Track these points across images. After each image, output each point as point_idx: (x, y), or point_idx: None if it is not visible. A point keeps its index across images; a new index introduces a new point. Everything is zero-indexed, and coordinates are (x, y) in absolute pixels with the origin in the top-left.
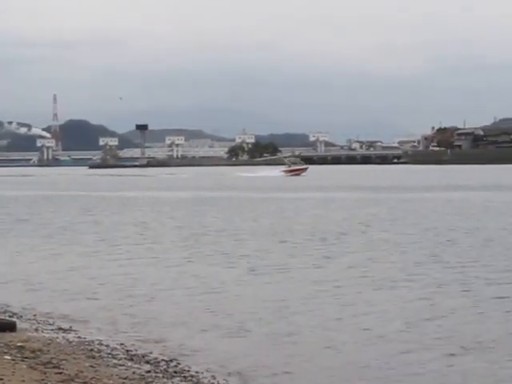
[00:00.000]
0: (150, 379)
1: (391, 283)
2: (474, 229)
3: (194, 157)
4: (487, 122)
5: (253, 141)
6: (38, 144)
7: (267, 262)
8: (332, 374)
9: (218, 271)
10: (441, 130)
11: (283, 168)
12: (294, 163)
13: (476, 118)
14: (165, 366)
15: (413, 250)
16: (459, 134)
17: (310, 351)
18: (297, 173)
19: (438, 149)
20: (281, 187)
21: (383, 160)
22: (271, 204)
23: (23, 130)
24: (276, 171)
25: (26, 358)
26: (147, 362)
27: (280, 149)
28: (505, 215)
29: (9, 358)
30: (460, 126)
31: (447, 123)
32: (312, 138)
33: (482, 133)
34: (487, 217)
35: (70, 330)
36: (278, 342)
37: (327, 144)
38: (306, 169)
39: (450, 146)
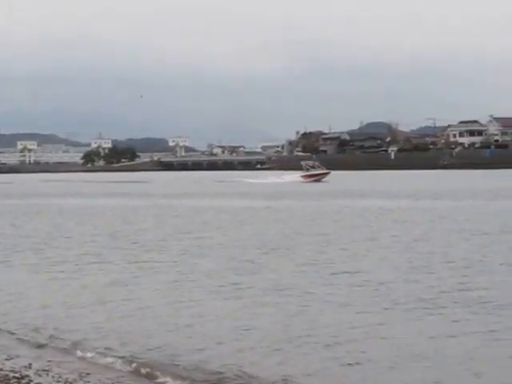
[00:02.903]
0: None
1: None
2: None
3: (47, 162)
4: (353, 126)
5: (109, 146)
6: None
7: None
8: None
9: None
10: (306, 135)
11: (301, 173)
12: (313, 167)
13: (342, 122)
14: None
15: None
16: (325, 139)
17: None
18: (317, 178)
19: (303, 154)
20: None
21: (246, 166)
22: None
23: None
24: (294, 177)
25: None
26: None
27: (138, 154)
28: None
29: None
30: (326, 130)
31: (313, 128)
32: (171, 143)
33: (348, 137)
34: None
35: None
36: None
37: (187, 149)
38: (328, 173)
39: (315, 151)
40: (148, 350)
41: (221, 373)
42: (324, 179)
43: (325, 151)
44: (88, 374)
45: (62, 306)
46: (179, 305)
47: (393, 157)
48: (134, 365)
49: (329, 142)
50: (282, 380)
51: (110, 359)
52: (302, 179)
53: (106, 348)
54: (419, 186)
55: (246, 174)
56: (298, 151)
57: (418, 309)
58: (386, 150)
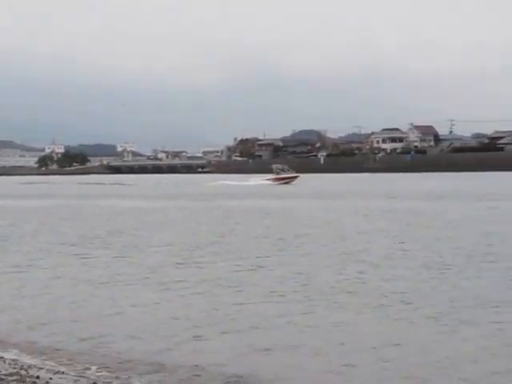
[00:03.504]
0: None
1: None
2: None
3: (4, 166)
4: (286, 133)
5: (62, 151)
6: None
7: None
8: None
9: None
10: (243, 141)
11: (271, 176)
12: (283, 171)
13: (276, 130)
14: None
15: None
16: (260, 145)
17: None
18: (286, 181)
19: (240, 158)
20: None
21: (188, 169)
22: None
23: None
24: (264, 180)
25: None
26: None
27: (89, 158)
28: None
29: None
30: (261, 137)
31: (249, 135)
32: (119, 148)
33: (281, 144)
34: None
35: None
36: None
37: (134, 154)
38: (296, 177)
39: (251, 156)
40: (78, 338)
41: (134, 360)
42: (293, 182)
43: (260, 156)
44: None
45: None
46: (116, 296)
47: (322, 161)
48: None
49: (264, 147)
50: (194, 366)
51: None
52: (272, 182)
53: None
54: (363, 187)
55: (222, 177)
56: (236, 156)
57: (339, 297)
58: (316, 155)
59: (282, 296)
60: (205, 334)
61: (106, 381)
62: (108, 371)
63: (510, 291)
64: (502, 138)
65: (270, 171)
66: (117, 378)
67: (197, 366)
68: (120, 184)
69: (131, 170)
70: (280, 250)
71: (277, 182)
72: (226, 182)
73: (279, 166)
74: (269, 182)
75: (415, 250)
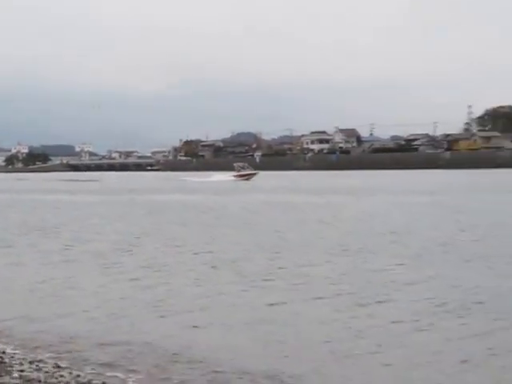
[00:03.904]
0: None
1: None
2: None
3: None
4: (226, 135)
5: (27, 151)
6: None
7: None
8: None
9: None
10: (187, 142)
11: (233, 173)
12: (243, 168)
13: (217, 132)
14: None
15: None
16: (203, 146)
17: None
18: (247, 177)
19: (185, 158)
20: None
21: (138, 167)
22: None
23: None
24: (226, 176)
25: None
26: None
27: (51, 157)
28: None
29: None
30: (204, 138)
31: (193, 137)
32: (78, 149)
33: (221, 144)
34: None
35: None
36: None
37: (91, 154)
38: (255, 174)
39: (195, 156)
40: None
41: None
42: (252, 178)
43: (203, 156)
44: None
45: None
46: (57, 280)
47: (258, 160)
48: None
49: (206, 148)
50: (127, 342)
51: None
52: (234, 178)
53: None
54: (301, 183)
55: (186, 174)
56: (181, 156)
57: (262, 281)
58: (252, 155)
59: (213, 279)
60: (140, 315)
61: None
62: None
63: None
64: (416, 139)
65: (212, 169)
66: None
67: (129, 342)
68: (92, 180)
69: (88, 168)
70: (214, 238)
71: (238, 179)
72: (191, 179)
73: (240, 164)
74: (231, 178)
75: (328, 237)
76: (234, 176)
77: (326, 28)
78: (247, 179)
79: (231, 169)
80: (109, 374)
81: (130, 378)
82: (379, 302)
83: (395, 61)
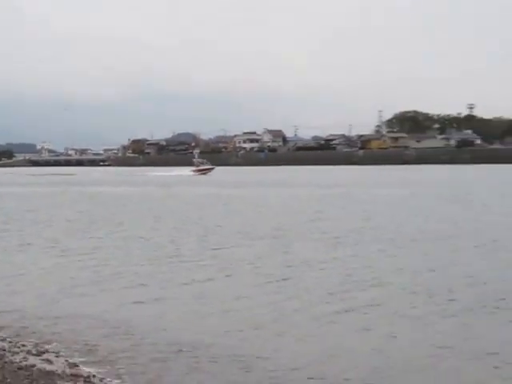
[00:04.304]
0: None
1: None
2: None
3: None
4: (168, 135)
5: None
6: None
7: None
8: None
9: None
10: (135, 141)
11: (193, 168)
12: (202, 163)
13: (161, 131)
14: None
15: None
16: (148, 144)
17: None
18: (204, 172)
19: (132, 155)
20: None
21: (92, 163)
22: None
23: None
24: (186, 171)
25: None
26: None
27: (15, 154)
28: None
29: None
30: (149, 138)
31: (140, 136)
32: (39, 147)
33: (165, 143)
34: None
35: None
36: None
37: (50, 151)
38: (212, 169)
39: (142, 153)
40: None
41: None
42: (209, 173)
43: (148, 153)
44: None
45: None
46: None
47: (196, 157)
48: None
49: (151, 146)
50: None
51: None
52: (193, 173)
53: None
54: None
55: (152, 169)
56: (130, 153)
57: (193, 262)
58: (192, 153)
59: (153, 259)
60: (88, 292)
61: None
62: None
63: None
64: (334, 139)
65: (156, 165)
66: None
67: (78, 315)
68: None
69: (47, 163)
70: (158, 222)
71: (197, 173)
72: (155, 173)
73: (199, 160)
74: (190, 173)
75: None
76: (193, 171)
77: (256, 40)
78: (205, 173)
79: (173, 164)
80: (47, 346)
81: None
82: (286, 279)
83: (319, 71)
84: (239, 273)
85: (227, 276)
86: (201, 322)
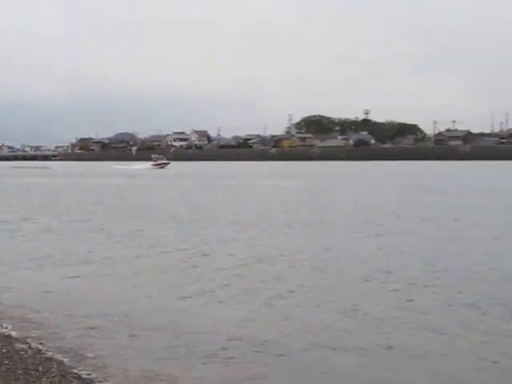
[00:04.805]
0: None
1: None
2: None
3: None
4: (111, 134)
5: None
6: None
7: None
8: None
9: None
10: (82, 140)
11: (151, 163)
12: (159, 159)
13: (105, 131)
14: None
15: None
16: (93, 142)
17: None
18: (161, 166)
19: (80, 151)
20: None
21: (45, 158)
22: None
23: None
24: (146, 165)
25: None
26: None
27: None
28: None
29: None
30: (94, 137)
31: (86, 135)
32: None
33: (107, 141)
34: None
35: None
36: None
37: (9, 147)
38: (168, 163)
39: (88, 150)
40: None
41: None
42: (166, 167)
43: (93, 150)
44: None
45: None
46: None
47: (134, 153)
48: None
49: (96, 144)
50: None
51: None
52: (151, 167)
53: None
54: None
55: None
56: (77, 150)
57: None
58: (130, 149)
59: (102, 240)
60: (39, 268)
61: None
62: None
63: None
64: (251, 139)
65: (100, 160)
66: None
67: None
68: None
69: (6, 158)
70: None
71: (155, 167)
72: (121, 167)
73: (157, 155)
74: (149, 166)
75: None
76: (152, 165)
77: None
78: (162, 167)
79: (115, 159)
80: None
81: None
82: (205, 254)
83: (242, 81)
84: (165, 250)
85: (154, 254)
86: (131, 294)
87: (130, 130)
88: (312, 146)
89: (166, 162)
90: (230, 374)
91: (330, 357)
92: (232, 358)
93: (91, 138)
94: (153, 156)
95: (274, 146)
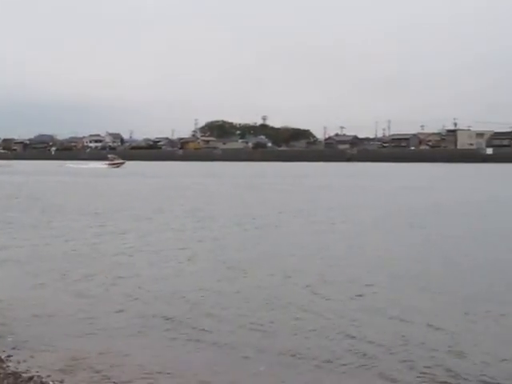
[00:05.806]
0: None
1: None
2: None
3: None
4: (32, 135)
5: None
6: None
7: None
8: None
9: None
10: (5, 140)
11: (107, 162)
12: (115, 158)
13: (26, 133)
14: None
15: None
16: (15, 143)
17: None
18: (117, 165)
19: (3, 151)
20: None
21: None
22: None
23: None
24: (101, 164)
25: None
26: None
27: None
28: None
29: None
30: (16, 138)
31: (9, 136)
32: None
33: (28, 142)
34: None
35: None
36: None
37: None
38: (123, 163)
39: (10, 150)
40: None
41: None
42: (122, 166)
43: (16, 149)
44: None
45: None
46: None
47: (53, 153)
48: None
49: (18, 144)
50: None
51: None
52: (107, 166)
53: None
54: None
55: (68, 162)
56: (1, 149)
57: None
58: (49, 149)
59: (76, 234)
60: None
61: None
62: None
63: None
64: (160, 141)
65: (22, 159)
66: None
67: None
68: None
69: None
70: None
71: (110, 166)
72: (72, 166)
73: (113, 155)
74: (105, 166)
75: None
76: (107, 164)
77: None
78: (117, 166)
79: (38, 158)
80: None
81: None
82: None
83: (153, 88)
84: (130, 244)
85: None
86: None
87: (50, 132)
88: (215, 148)
89: (121, 161)
90: None
91: None
92: None
93: (14, 139)
94: (109, 156)
95: (180, 148)
